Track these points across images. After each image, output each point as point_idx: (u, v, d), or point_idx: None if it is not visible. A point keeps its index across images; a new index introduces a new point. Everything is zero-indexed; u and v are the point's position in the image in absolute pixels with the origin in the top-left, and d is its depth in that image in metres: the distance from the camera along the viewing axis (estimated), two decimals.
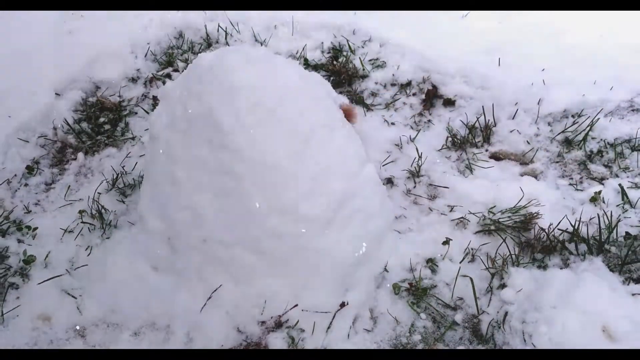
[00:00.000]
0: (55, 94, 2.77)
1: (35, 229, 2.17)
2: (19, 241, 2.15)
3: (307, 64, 2.97)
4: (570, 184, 2.25)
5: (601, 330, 1.67)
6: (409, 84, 2.81)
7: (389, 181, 2.31)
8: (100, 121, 2.73)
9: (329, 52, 3.07)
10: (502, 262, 1.93)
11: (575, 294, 1.76)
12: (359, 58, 2.93)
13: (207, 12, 3.31)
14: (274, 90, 1.85)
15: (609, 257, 1.94)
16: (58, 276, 1.99)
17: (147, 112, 2.76)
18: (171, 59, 3.08)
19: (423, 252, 2.02)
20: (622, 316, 1.70)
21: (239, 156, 1.81)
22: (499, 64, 2.80)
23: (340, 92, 2.78)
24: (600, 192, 2.14)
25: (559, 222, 2.02)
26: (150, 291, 1.93)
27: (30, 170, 2.44)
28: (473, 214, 2.14)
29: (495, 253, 1.98)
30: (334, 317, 1.84)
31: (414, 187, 2.30)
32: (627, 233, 1.98)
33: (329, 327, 1.83)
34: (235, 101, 1.81)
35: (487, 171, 2.33)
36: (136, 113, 2.79)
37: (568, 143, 2.42)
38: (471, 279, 1.90)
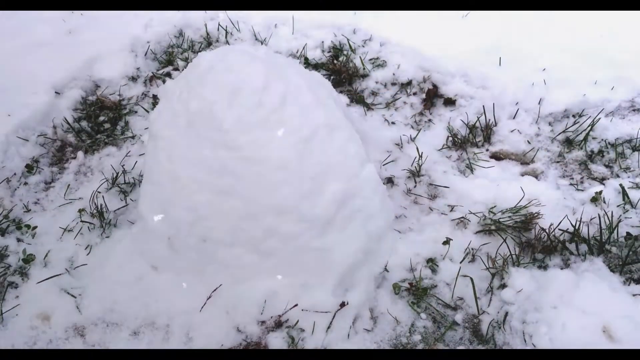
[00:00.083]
0: (55, 92, 2.77)
1: (35, 227, 2.17)
2: (19, 240, 2.14)
3: (307, 63, 2.97)
4: (571, 184, 2.25)
5: (601, 331, 1.67)
6: (409, 83, 2.81)
7: (390, 181, 2.31)
8: (100, 120, 2.73)
9: (329, 52, 3.07)
10: (503, 262, 1.92)
11: (576, 294, 1.76)
12: (360, 57, 2.93)
13: (208, 11, 3.31)
14: (275, 90, 1.85)
15: (609, 258, 1.94)
16: (57, 275, 1.99)
17: (147, 111, 2.75)
18: (171, 58, 3.07)
19: (423, 251, 2.02)
20: (622, 316, 1.70)
21: (240, 155, 1.81)
22: (500, 64, 2.80)
23: (341, 92, 2.78)
24: (601, 192, 2.14)
25: (560, 222, 2.02)
26: (150, 290, 1.93)
27: (30, 169, 2.44)
28: (473, 213, 2.14)
29: (496, 253, 1.98)
30: (334, 317, 1.84)
31: (415, 186, 2.30)
32: (627, 233, 1.98)
33: (329, 327, 1.82)
34: (236, 100, 1.80)
35: (487, 171, 2.33)
36: (136, 112, 2.78)
37: (569, 143, 2.42)
38: (471, 279, 1.89)
